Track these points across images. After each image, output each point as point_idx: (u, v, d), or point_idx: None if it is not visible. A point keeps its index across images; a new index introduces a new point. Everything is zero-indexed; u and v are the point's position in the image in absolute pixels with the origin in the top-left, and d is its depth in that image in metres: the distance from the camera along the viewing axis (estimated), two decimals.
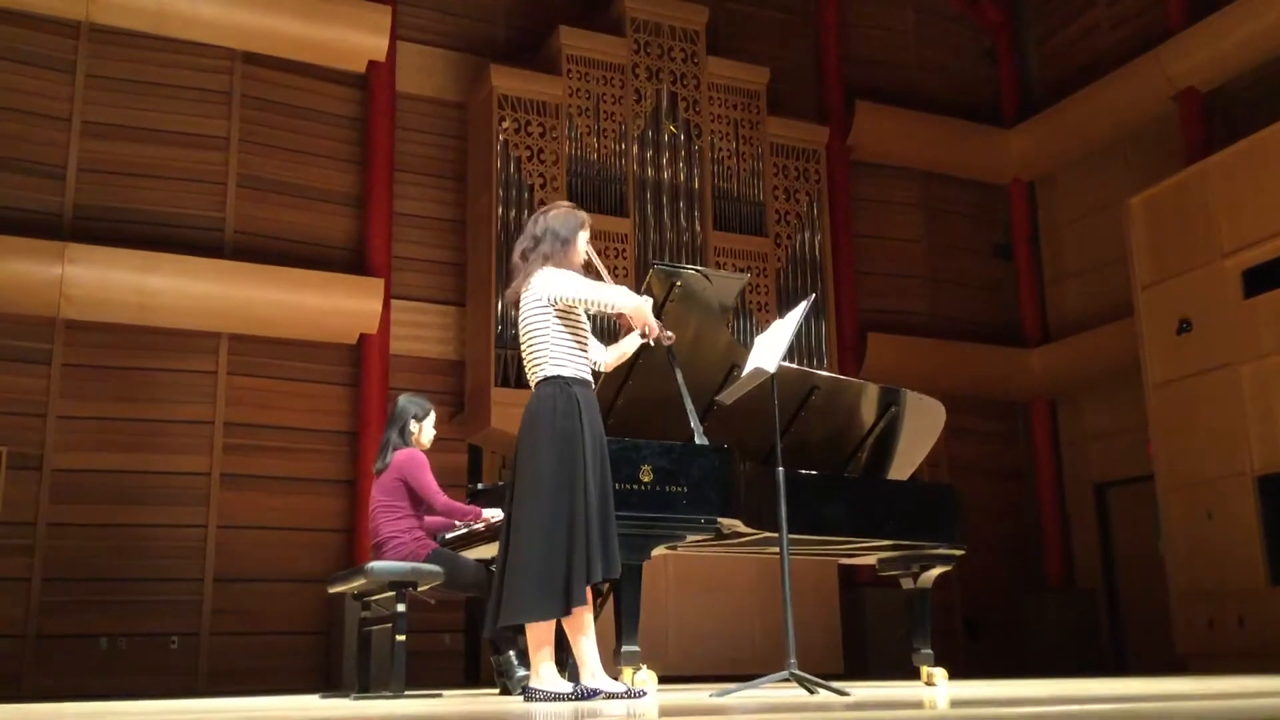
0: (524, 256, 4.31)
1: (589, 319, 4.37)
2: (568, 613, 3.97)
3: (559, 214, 4.35)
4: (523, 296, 4.24)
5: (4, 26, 8.94)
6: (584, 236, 4.35)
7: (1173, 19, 11.08)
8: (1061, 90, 12.28)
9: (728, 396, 4.94)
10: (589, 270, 4.43)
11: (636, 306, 4.28)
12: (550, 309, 4.16)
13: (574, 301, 4.15)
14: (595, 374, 4.40)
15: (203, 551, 8.94)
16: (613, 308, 4.21)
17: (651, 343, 4.53)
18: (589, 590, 4.05)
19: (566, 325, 4.17)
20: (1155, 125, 11.31)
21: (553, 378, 4.13)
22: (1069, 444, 12.26)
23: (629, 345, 4.49)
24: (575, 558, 3.93)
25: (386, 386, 9.39)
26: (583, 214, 4.40)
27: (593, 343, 4.38)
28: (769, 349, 4.68)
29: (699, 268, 5.33)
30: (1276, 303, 9.04)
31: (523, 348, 4.26)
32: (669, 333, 4.53)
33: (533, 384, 4.24)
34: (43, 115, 9.04)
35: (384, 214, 9.83)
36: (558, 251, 4.24)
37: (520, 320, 4.25)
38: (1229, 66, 10.58)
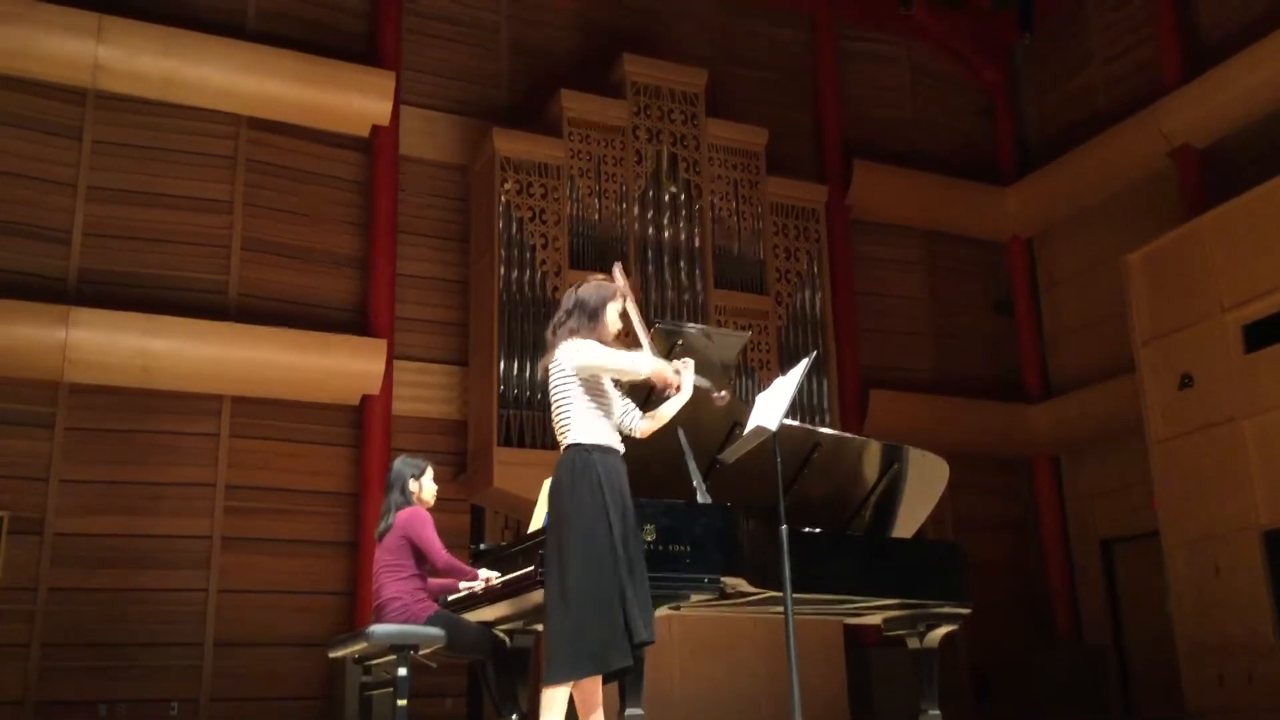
0: (554, 331, 4.36)
1: (619, 386, 4.39)
2: (594, 673, 3.99)
3: (588, 287, 4.38)
4: (550, 368, 4.29)
5: (12, 94, 9.05)
6: (614, 308, 4.35)
7: (1168, 76, 11.20)
8: (1059, 148, 12.37)
9: (730, 455, 4.92)
10: (627, 339, 4.42)
11: (656, 369, 4.29)
12: (574, 379, 4.20)
13: (597, 371, 4.17)
14: (628, 439, 4.37)
15: (203, 616, 8.88)
16: (635, 375, 4.23)
17: (715, 399, 4.57)
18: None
19: (590, 394, 4.21)
20: (1152, 181, 11.38)
21: (574, 445, 4.17)
22: (1073, 500, 12.20)
23: (667, 411, 4.47)
24: (607, 619, 3.94)
25: (389, 447, 9.36)
26: (615, 286, 4.41)
27: (629, 408, 4.40)
28: (771, 407, 4.68)
29: (700, 326, 5.35)
30: (1278, 357, 9.03)
31: (552, 417, 4.31)
32: (723, 393, 4.55)
33: (561, 451, 4.28)
34: (48, 181, 9.11)
35: (387, 275, 9.89)
36: (584, 325, 4.27)
37: (550, 391, 4.29)
38: (1225, 123, 10.67)
